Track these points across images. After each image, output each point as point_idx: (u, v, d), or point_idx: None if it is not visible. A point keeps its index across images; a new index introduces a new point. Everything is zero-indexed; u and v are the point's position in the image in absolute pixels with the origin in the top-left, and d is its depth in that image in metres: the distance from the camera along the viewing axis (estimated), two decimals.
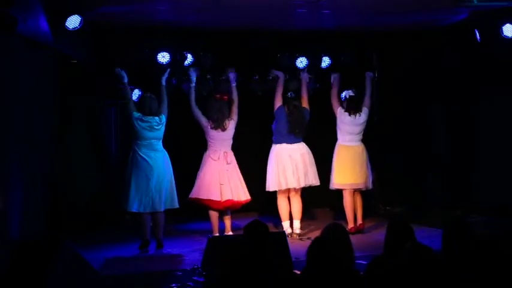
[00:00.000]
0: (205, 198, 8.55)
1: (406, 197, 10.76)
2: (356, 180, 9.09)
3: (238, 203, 8.68)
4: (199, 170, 8.72)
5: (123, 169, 8.51)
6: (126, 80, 8.42)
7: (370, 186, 9.28)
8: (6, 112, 6.16)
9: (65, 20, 7.17)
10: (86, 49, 8.55)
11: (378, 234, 8.27)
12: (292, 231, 8.83)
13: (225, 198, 8.55)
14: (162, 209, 8.23)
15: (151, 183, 8.13)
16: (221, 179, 8.57)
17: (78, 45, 8.09)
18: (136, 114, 8.26)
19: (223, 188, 8.55)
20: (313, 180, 8.95)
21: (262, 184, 9.01)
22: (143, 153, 8.19)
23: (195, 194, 8.61)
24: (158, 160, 8.24)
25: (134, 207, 8.10)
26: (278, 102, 8.97)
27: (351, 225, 9.00)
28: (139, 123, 8.24)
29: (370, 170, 9.25)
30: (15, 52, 6.34)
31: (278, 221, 9.04)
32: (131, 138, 8.37)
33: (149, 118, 8.29)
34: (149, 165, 8.17)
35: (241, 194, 8.67)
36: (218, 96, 8.88)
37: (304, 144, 9.02)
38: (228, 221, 8.69)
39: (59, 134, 8.42)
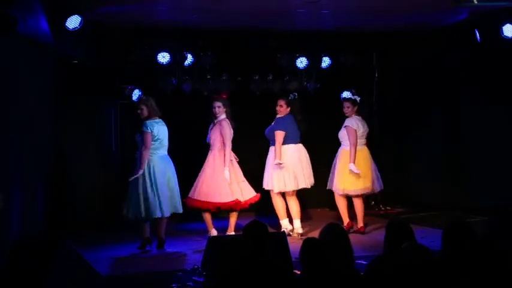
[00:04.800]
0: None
1: (406, 197, 10.77)
2: (366, 184, 8.99)
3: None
4: None
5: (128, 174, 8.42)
6: None
7: (382, 186, 9.20)
8: (6, 112, 6.16)
9: (65, 20, 7.17)
10: (86, 49, 8.55)
11: (378, 234, 8.26)
12: (293, 230, 8.81)
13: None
14: (181, 211, 8.24)
15: (166, 186, 8.12)
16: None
17: (78, 45, 8.09)
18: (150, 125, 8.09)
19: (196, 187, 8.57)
20: (310, 181, 8.93)
21: (261, 184, 8.99)
22: (158, 157, 8.16)
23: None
24: (169, 163, 8.23)
25: (157, 213, 8.06)
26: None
27: (346, 220, 8.99)
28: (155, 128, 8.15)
29: (377, 171, 9.17)
30: (15, 52, 6.34)
31: (277, 220, 9.04)
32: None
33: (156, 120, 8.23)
34: (163, 169, 8.14)
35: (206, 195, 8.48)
36: (217, 96, 8.84)
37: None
38: (231, 219, 8.67)
39: (59, 134, 8.42)
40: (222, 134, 8.50)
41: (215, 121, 8.60)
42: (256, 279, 4.42)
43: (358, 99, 9.04)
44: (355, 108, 8.97)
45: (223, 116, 8.58)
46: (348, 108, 8.97)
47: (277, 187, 8.76)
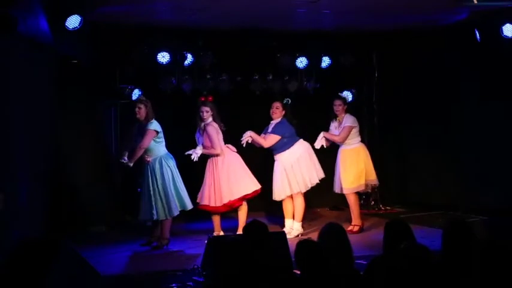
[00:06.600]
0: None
1: (406, 197, 10.77)
2: (373, 176, 8.98)
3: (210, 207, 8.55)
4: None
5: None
6: None
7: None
8: (7, 112, 6.17)
9: (65, 20, 7.17)
10: (86, 49, 8.55)
11: (378, 234, 8.25)
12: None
13: (203, 203, 8.53)
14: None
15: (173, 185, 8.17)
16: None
17: (78, 45, 8.09)
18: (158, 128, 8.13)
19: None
20: None
21: (261, 184, 8.96)
22: (167, 154, 8.17)
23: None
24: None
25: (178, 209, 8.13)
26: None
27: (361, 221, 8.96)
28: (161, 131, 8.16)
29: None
30: (15, 52, 6.34)
31: (277, 220, 9.03)
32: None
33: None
34: (172, 169, 8.17)
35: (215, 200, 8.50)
36: (203, 98, 8.74)
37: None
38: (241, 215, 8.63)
39: (59, 134, 8.43)
40: (210, 141, 8.45)
41: (202, 126, 8.52)
42: (256, 279, 4.42)
43: (350, 96, 9.04)
44: (345, 107, 8.87)
45: (210, 119, 8.49)
46: (339, 106, 8.82)
47: (314, 180, 8.72)
